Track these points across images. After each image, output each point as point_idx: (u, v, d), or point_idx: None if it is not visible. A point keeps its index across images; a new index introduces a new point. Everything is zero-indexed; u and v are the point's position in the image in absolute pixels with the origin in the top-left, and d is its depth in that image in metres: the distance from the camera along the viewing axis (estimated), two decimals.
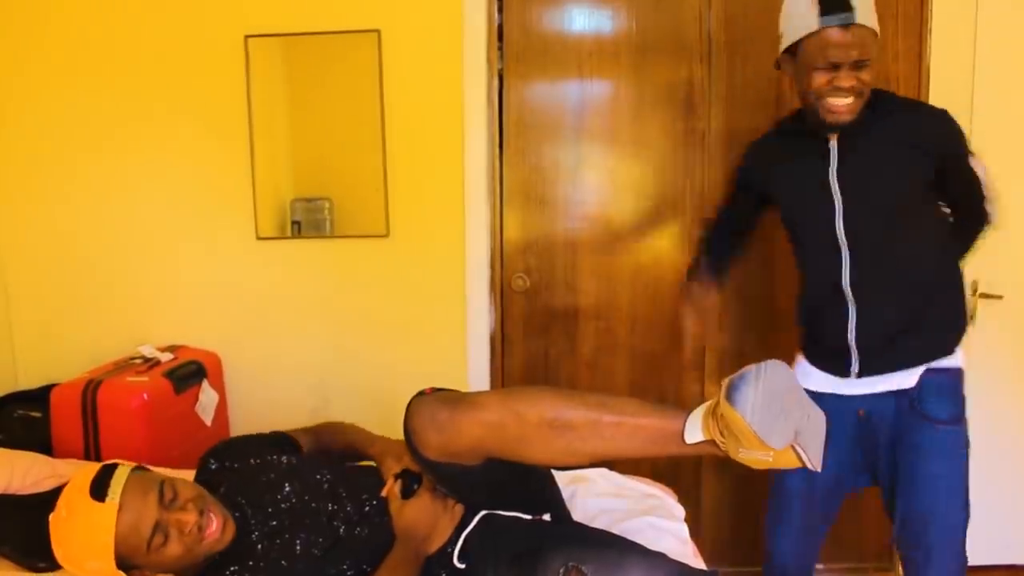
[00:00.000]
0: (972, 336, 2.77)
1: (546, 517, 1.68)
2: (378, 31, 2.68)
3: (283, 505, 1.61)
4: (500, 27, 2.73)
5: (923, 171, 1.84)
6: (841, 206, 1.86)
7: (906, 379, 1.90)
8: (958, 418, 1.91)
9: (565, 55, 2.76)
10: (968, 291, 2.74)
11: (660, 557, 1.56)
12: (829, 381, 1.96)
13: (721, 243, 2.20)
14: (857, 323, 1.89)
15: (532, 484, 1.70)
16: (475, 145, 2.72)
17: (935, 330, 1.93)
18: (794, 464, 1.30)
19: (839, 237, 1.87)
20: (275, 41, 2.71)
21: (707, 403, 1.36)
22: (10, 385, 2.76)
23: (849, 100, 1.75)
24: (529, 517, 1.65)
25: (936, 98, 2.67)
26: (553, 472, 2.04)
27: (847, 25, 1.69)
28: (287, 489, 1.64)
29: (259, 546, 1.56)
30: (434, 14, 2.68)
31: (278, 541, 1.56)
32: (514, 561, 1.52)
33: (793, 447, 1.28)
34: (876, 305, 1.88)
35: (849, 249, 1.87)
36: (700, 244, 2.28)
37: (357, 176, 2.80)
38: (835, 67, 1.73)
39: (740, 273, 2.80)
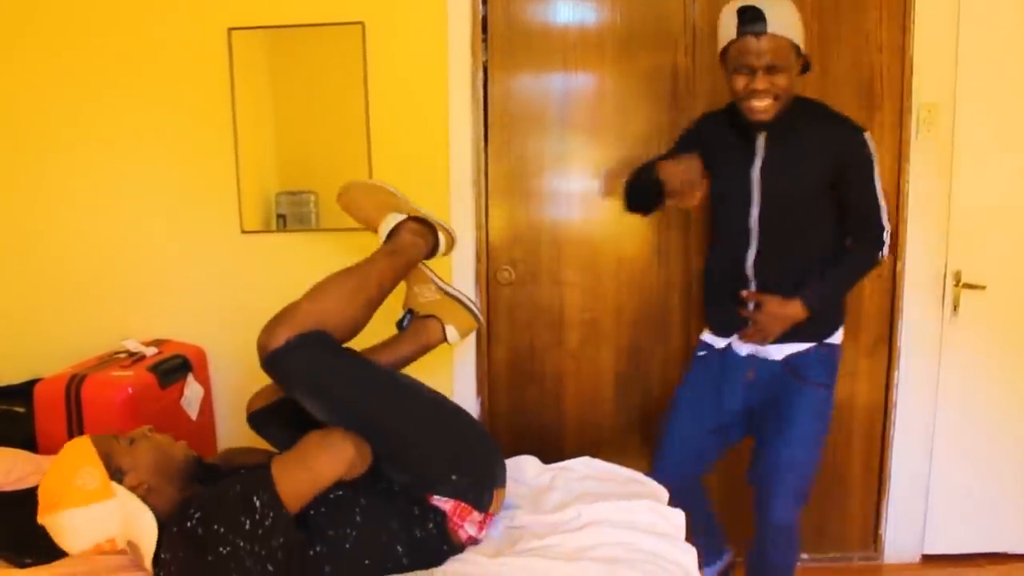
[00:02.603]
0: (955, 326, 2.81)
1: None
2: (362, 23, 2.67)
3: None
4: (484, 19, 2.72)
5: (828, 178, 2.11)
6: (758, 198, 2.12)
7: (783, 351, 2.20)
8: (830, 384, 2.23)
9: (550, 47, 2.75)
10: (951, 281, 2.78)
11: None
12: (726, 341, 2.26)
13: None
14: (756, 306, 2.17)
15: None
16: (460, 138, 2.72)
17: (821, 319, 2.19)
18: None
19: (751, 225, 2.14)
20: (258, 34, 2.69)
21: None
22: None
23: (766, 102, 1.99)
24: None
25: (919, 90, 2.69)
26: (528, 460, 2.14)
27: (759, 34, 1.95)
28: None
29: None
30: (418, 6, 2.67)
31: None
32: None
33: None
34: (775, 291, 2.14)
35: (758, 238, 2.14)
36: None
37: (342, 169, 2.78)
38: (752, 71, 1.98)
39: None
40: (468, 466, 1.79)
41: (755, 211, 2.13)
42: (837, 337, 2.25)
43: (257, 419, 2.02)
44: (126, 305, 2.82)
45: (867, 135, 2.11)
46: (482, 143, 2.77)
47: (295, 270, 2.77)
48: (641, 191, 2.32)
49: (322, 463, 1.64)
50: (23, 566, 1.68)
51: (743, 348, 2.25)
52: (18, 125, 2.77)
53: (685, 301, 2.85)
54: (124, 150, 2.77)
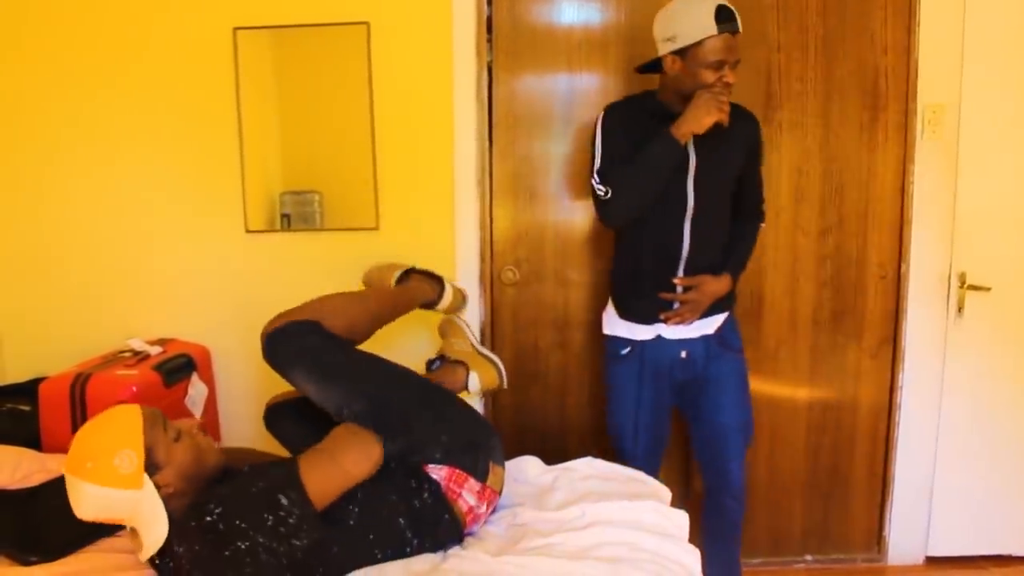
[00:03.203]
0: (960, 327, 2.80)
1: None
2: (367, 23, 2.67)
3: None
4: (489, 19, 2.72)
5: (742, 164, 2.31)
6: (694, 190, 2.22)
7: (714, 323, 2.35)
8: (743, 350, 2.44)
9: (554, 47, 2.75)
10: (956, 282, 2.77)
11: None
12: (653, 329, 2.34)
13: None
14: (686, 288, 2.29)
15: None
16: (464, 138, 2.72)
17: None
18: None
19: (687, 212, 2.23)
20: (263, 33, 2.70)
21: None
22: None
23: (727, 96, 2.10)
24: None
25: (924, 91, 2.69)
26: (530, 460, 2.18)
27: (735, 32, 2.08)
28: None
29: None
30: (423, 6, 2.68)
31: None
32: None
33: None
34: (701, 270, 2.29)
35: (691, 227, 2.24)
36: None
37: (347, 169, 2.79)
38: (721, 66, 2.08)
39: None
40: (458, 429, 1.87)
41: (691, 202, 2.23)
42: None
43: (273, 413, 2.11)
44: (131, 304, 2.83)
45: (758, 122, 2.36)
46: (486, 143, 2.77)
47: (299, 269, 2.80)
48: (660, 169, 2.17)
49: (351, 461, 1.66)
50: (28, 564, 1.68)
51: (675, 331, 2.33)
52: (23, 125, 2.77)
53: None
54: (129, 150, 2.77)
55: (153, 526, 1.58)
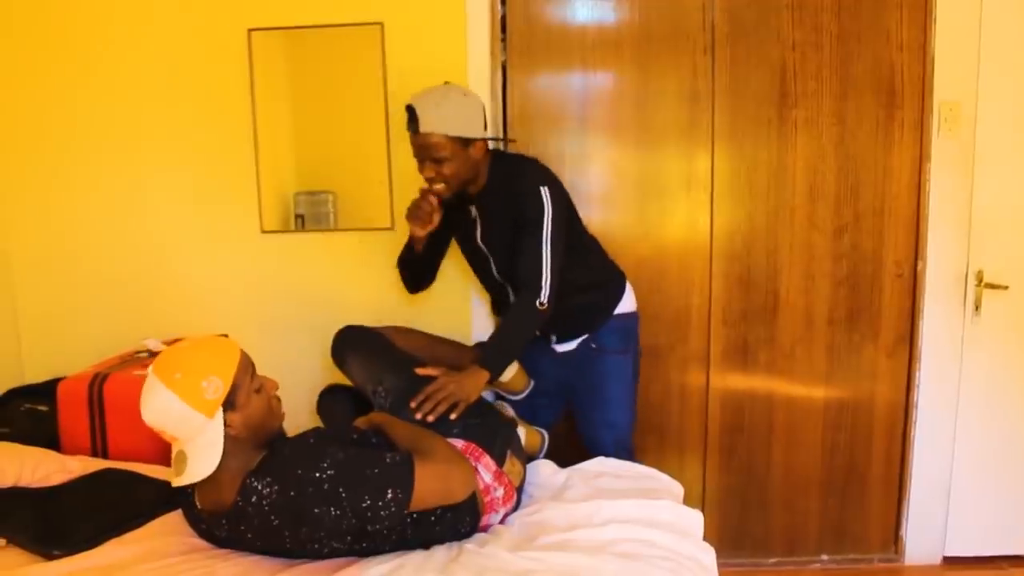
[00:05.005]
0: (977, 325, 2.79)
1: None
2: (381, 24, 2.68)
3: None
4: (503, 19, 2.73)
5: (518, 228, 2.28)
6: (491, 255, 2.38)
7: (569, 347, 2.48)
8: (627, 350, 2.49)
9: (568, 46, 2.75)
10: (973, 280, 2.76)
11: None
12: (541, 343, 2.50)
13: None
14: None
15: None
16: None
17: (591, 313, 2.46)
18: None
19: (496, 277, 2.41)
20: (278, 34, 2.71)
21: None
22: (16, 379, 2.77)
23: (439, 186, 2.24)
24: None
25: (940, 88, 2.67)
26: (542, 463, 2.24)
27: (415, 132, 2.19)
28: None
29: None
30: (437, 6, 2.68)
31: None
32: None
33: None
34: (558, 314, 2.28)
35: (508, 285, 2.39)
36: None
37: (361, 169, 2.80)
38: (421, 162, 2.23)
39: (744, 265, 2.82)
40: (480, 416, 2.05)
41: (493, 266, 2.40)
42: (624, 307, 2.49)
43: (331, 390, 2.37)
44: (147, 304, 2.84)
45: (544, 189, 2.22)
46: (501, 143, 2.77)
47: (313, 270, 2.81)
48: (406, 261, 2.49)
49: (458, 485, 1.73)
50: (50, 557, 1.70)
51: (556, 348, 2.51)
52: (39, 127, 2.79)
53: (705, 301, 2.84)
54: (145, 151, 2.79)
55: (204, 458, 1.60)
